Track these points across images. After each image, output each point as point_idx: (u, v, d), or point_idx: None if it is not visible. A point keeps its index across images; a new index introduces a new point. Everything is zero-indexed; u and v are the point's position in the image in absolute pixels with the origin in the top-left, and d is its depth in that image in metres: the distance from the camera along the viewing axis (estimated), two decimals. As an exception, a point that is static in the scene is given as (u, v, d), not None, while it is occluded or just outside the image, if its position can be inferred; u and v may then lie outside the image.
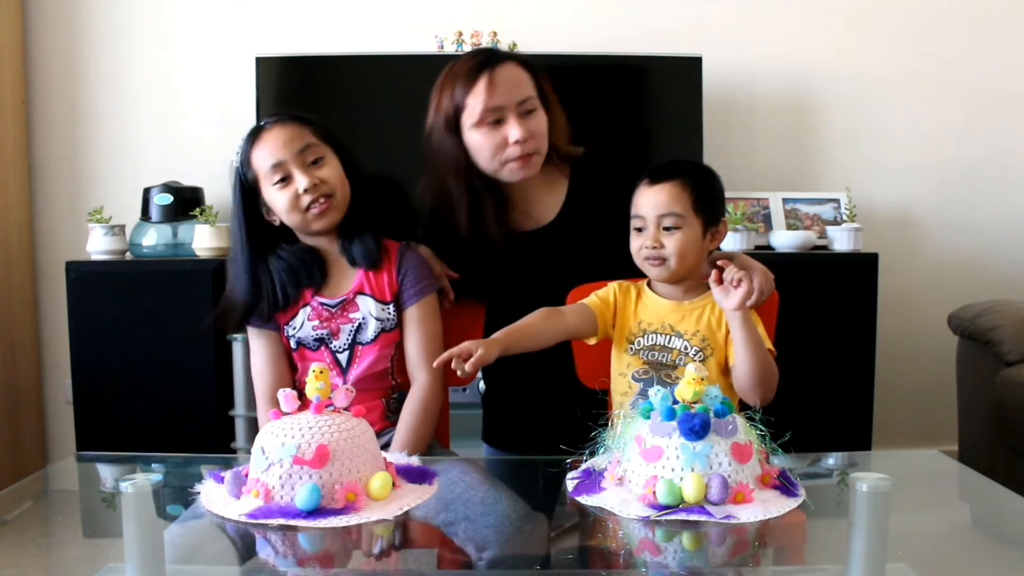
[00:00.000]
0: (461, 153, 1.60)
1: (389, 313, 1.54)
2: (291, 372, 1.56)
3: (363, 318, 1.53)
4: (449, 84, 1.61)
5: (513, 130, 1.56)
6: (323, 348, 1.53)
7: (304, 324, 1.53)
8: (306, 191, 1.46)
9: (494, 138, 1.57)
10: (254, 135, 1.51)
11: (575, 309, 1.52)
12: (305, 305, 1.53)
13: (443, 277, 1.64)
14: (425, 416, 1.52)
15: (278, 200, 1.49)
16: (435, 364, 1.34)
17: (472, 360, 1.33)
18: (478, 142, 1.59)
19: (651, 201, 1.45)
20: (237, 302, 1.54)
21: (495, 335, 1.40)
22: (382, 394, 1.56)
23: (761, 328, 1.44)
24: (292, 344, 1.55)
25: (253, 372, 1.57)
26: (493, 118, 1.57)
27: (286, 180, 1.47)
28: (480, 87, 1.56)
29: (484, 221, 1.63)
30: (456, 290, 1.66)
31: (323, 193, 1.48)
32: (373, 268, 1.54)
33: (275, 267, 1.53)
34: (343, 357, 1.54)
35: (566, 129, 1.70)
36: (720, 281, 1.40)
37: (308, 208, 1.48)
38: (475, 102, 1.56)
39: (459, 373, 1.33)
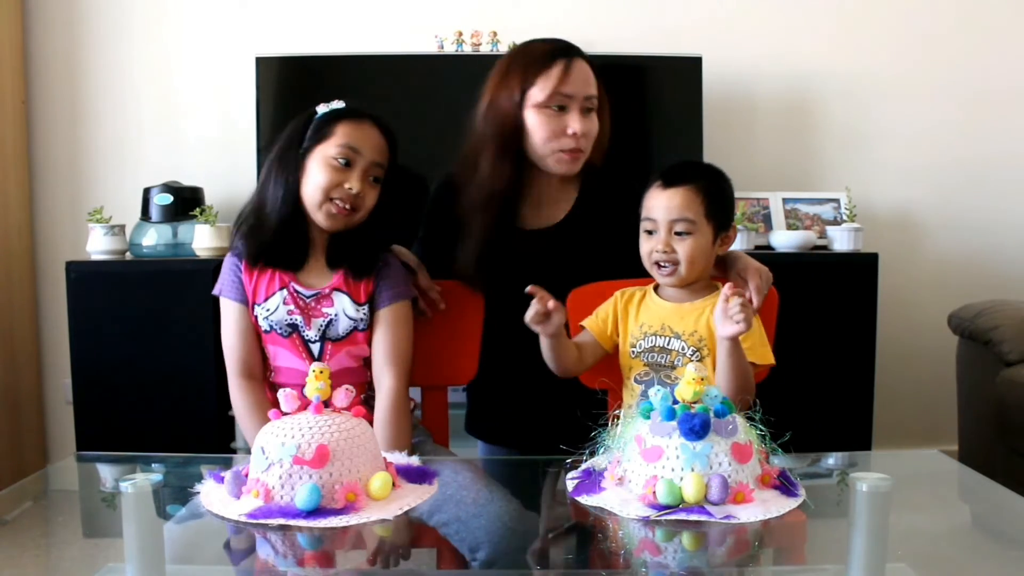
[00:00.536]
0: (517, 127, 1.61)
1: (363, 314, 1.53)
2: (260, 347, 1.55)
3: (335, 315, 1.52)
4: (520, 61, 1.63)
5: (574, 122, 1.59)
6: (295, 335, 1.52)
7: (279, 308, 1.52)
8: (348, 190, 1.47)
9: (554, 124, 1.60)
10: (357, 113, 1.51)
11: (584, 341, 1.54)
12: (282, 288, 1.52)
13: (427, 286, 1.65)
14: (397, 421, 1.50)
15: (320, 174, 1.48)
16: (528, 288, 1.40)
17: (553, 303, 1.40)
18: (536, 123, 1.60)
19: (664, 205, 1.44)
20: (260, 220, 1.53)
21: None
22: (361, 390, 1.55)
23: (761, 335, 1.44)
24: (264, 327, 1.53)
25: (224, 344, 1.56)
26: (559, 103, 1.59)
27: (347, 167, 1.48)
28: (556, 71, 1.59)
29: (507, 202, 1.64)
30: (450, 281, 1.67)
31: (354, 205, 1.49)
32: (352, 279, 1.54)
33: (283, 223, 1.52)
34: (315, 348, 1.53)
35: (606, 143, 1.72)
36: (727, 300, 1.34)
37: (332, 201, 1.48)
38: (547, 83, 1.59)
39: (532, 312, 1.40)
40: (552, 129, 1.59)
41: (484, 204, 1.64)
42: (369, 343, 1.55)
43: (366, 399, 1.55)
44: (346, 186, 1.47)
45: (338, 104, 1.53)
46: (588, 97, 1.60)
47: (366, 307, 1.54)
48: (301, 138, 1.51)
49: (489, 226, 1.64)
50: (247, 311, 1.54)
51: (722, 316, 1.34)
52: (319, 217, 1.50)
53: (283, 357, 1.53)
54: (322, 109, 1.53)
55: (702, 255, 1.45)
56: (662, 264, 1.45)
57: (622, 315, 1.53)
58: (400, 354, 1.54)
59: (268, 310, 1.52)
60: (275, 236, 1.51)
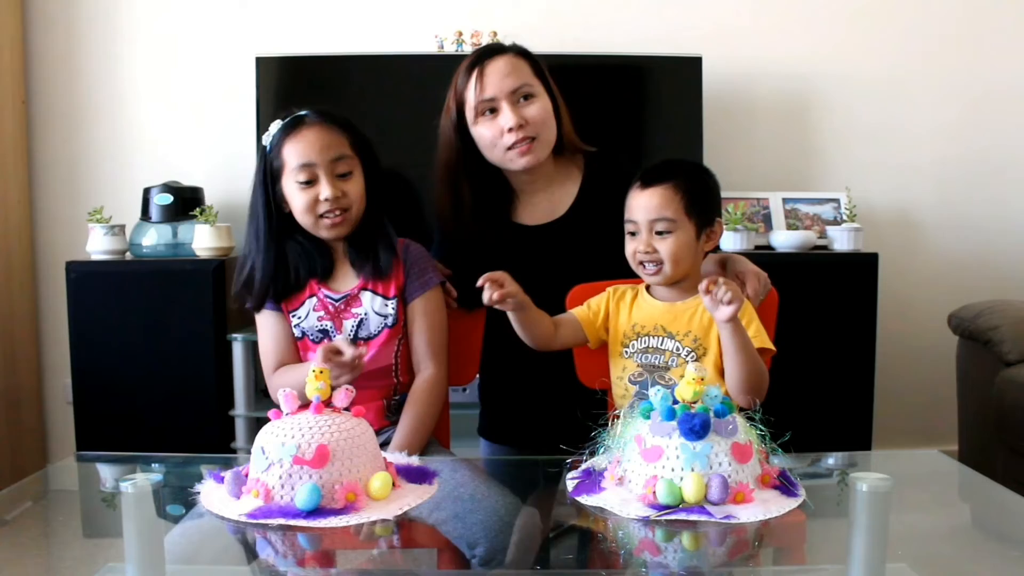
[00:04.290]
0: (458, 148, 1.66)
1: (391, 308, 1.54)
2: (296, 348, 1.56)
3: (365, 313, 1.53)
4: (454, 83, 1.66)
5: (505, 117, 1.60)
6: (326, 340, 1.53)
7: (309, 315, 1.53)
8: (327, 200, 1.47)
9: (491, 129, 1.62)
10: (293, 125, 1.50)
11: (565, 319, 1.53)
12: (311, 296, 1.54)
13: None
14: (430, 406, 1.53)
15: (296, 198, 1.49)
16: (479, 282, 1.38)
17: (504, 290, 1.38)
18: (479, 135, 1.64)
19: (643, 205, 1.44)
20: (258, 280, 1.53)
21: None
22: (383, 393, 1.56)
23: (757, 323, 1.43)
24: (296, 334, 1.55)
25: (261, 349, 1.57)
26: (487, 108, 1.62)
27: (311, 183, 1.48)
28: (472, 83, 1.62)
29: (465, 217, 1.67)
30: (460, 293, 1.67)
31: (341, 206, 1.49)
32: (379, 279, 1.55)
33: (291, 251, 1.53)
34: None
35: (570, 120, 1.72)
36: (708, 291, 1.32)
37: (323, 216, 1.49)
38: (470, 96, 1.62)
39: (486, 296, 1.38)
40: (491, 134, 1.62)
41: (476, 218, 1.67)
42: (400, 339, 1.55)
43: (388, 404, 1.56)
44: (321, 198, 1.47)
45: (276, 125, 1.52)
46: (515, 90, 1.61)
47: (394, 301, 1.54)
48: (266, 175, 1.51)
49: (476, 234, 1.67)
50: (283, 316, 1.55)
51: (712, 305, 1.32)
52: (323, 234, 1.51)
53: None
54: (266, 141, 1.52)
55: (686, 253, 1.44)
56: (646, 264, 1.45)
57: (613, 312, 1.52)
58: (440, 342, 1.56)
59: (300, 317, 1.54)
60: (298, 263, 1.52)
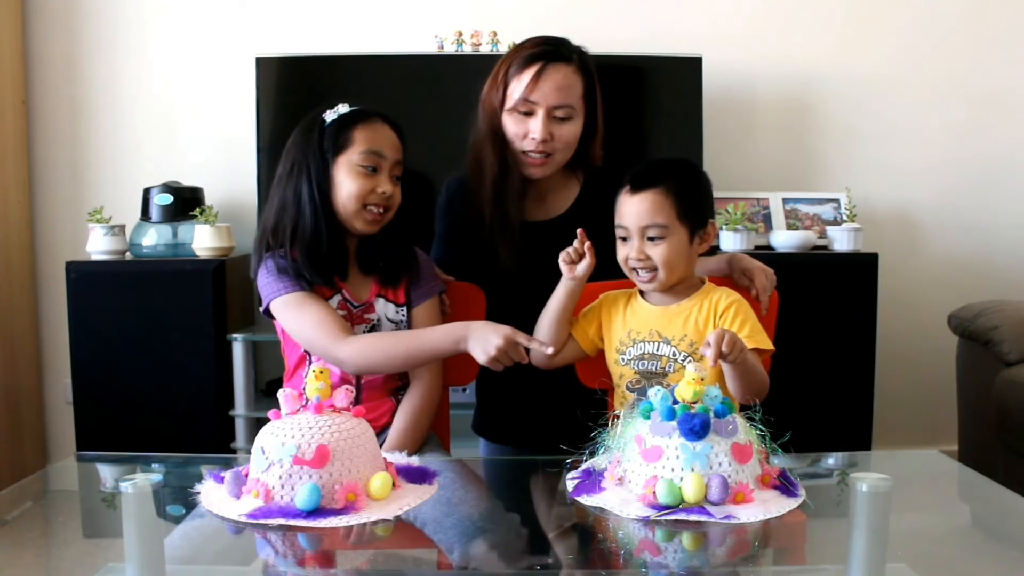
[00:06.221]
0: (498, 125, 1.65)
1: (403, 315, 1.55)
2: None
3: (378, 319, 1.54)
4: (507, 61, 1.66)
5: (536, 128, 1.61)
6: None
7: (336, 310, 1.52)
8: (382, 194, 1.48)
9: (519, 127, 1.63)
10: (365, 116, 1.51)
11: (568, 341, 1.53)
12: (337, 292, 1.52)
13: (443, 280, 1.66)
14: (424, 414, 1.54)
15: (351, 182, 1.47)
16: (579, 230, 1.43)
17: (590, 244, 1.42)
18: (506, 123, 1.65)
19: (633, 210, 1.41)
20: (326, 247, 1.48)
21: None
22: (393, 384, 1.57)
23: (752, 323, 1.42)
24: None
25: (311, 324, 1.45)
26: (525, 109, 1.62)
27: (374, 172, 1.48)
28: (526, 76, 1.61)
29: (507, 195, 1.66)
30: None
31: (387, 205, 1.50)
32: (390, 287, 1.55)
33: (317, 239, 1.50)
34: None
35: (601, 140, 1.73)
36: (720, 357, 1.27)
37: (367, 207, 1.49)
38: (516, 88, 1.62)
39: (570, 248, 1.44)
40: (516, 132, 1.63)
41: (492, 198, 1.67)
42: None
43: (398, 402, 1.56)
44: (379, 190, 1.48)
45: (344, 108, 1.52)
46: (558, 107, 1.61)
47: (405, 307, 1.56)
48: (319, 147, 1.49)
49: (497, 219, 1.67)
50: (314, 293, 1.48)
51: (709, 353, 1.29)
52: (356, 224, 1.50)
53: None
54: (330, 116, 1.51)
55: (680, 258, 1.42)
56: (639, 271, 1.43)
57: (606, 321, 1.51)
58: None
59: None
60: (324, 251, 1.48)
